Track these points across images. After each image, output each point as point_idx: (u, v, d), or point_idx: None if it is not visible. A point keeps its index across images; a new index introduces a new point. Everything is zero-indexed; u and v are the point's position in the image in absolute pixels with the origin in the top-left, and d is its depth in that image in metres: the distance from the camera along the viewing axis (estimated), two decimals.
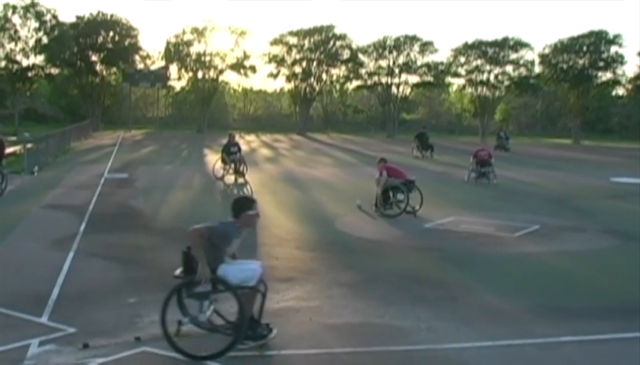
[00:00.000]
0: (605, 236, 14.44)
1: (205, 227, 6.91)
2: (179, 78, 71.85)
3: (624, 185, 25.35)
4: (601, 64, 68.89)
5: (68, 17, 68.50)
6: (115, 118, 74.05)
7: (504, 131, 50.95)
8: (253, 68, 70.05)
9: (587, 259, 12.15)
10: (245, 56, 68.96)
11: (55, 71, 65.74)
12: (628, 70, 78.01)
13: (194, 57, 68.52)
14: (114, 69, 70.14)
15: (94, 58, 68.02)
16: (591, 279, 10.64)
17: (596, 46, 68.61)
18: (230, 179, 22.56)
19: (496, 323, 8.08)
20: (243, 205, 7.14)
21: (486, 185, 23.50)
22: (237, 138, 24.94)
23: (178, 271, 7.01)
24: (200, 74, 69.66)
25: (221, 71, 69.99)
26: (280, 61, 71.28)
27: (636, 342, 7.58)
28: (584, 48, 68.85)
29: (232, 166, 22.89)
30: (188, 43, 68.35)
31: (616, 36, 68.57)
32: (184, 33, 68.27)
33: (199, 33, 68.01)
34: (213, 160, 33.96)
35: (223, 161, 23.04)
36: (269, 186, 22.00)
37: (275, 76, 72.42)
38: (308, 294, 9.08)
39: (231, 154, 22.96)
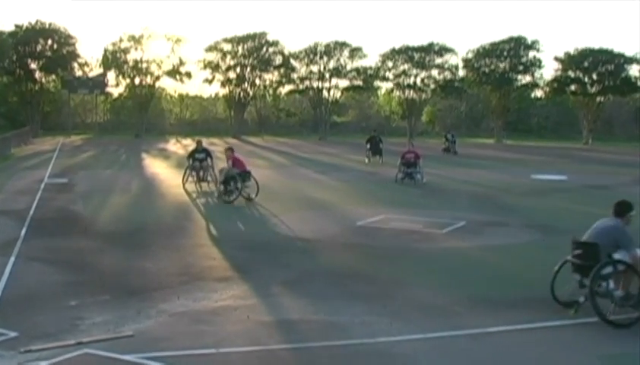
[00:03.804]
0: (527, 230, 14.98)
1: (627, 241, 8.37)
2: (117, 85, 71.94)
3: (543, 182, 26.23)
4: (520, 68, 71.16)
5: (6, 25, 67.49)
6: (55, 124, 73.32)
7: (452, 134, 47.03)
8: (189, 74, 70.81)
9: (512, 252, 12.64)
10: (181, 63, 69.74)
11: None
12: (547, 73, 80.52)
13: (131, 64, 68.75)
14: (53, 76, 69.71)
15: (33, 65, 67.59)
16: (515, 271, 11.05)
17: (515, 51, 70.87)
18: (197, 186, 21.33)
19: (428, 316, 8.33)
20: (628, 207, 8.64)
21: (414, 184, 23.91)
22: (204, 144, 23.02)
23: (570, 257, 8.63)
24: (137, 81, 69.96)
25: (158, 78, 70.59)
26: (214, 68, 71.81)
27: (559, 330, 7.96)
28: (505, 53, 70.98)
29: (195, 174, 21.53)
30: (126, 51, 68.61)
31: (534, 42, 70.94)
32: (121, 40, 68.47)
33: (136, 40, 68.37)
34: (152, 163, 33.84)
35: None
36: (205, 188, 21.72)
37: (210, 82, 73.05)
38: (245, 293, 9.20)
39: (195, 161, 21.65)
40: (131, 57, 68.65)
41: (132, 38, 68.18)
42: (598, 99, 70.77)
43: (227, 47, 71.54)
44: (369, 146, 34.95)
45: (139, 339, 7.33)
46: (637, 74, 69.29)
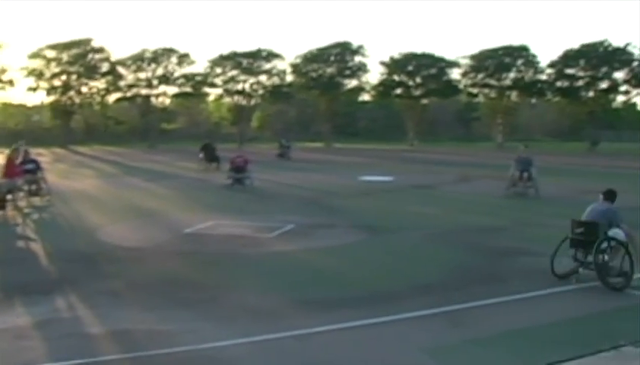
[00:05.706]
0: (353, 231, 15.48)
1: (618, 219, 10.45)
2: None
3: (370, 183, 27.29)
4: (347, 72, 73.81)
5: None
6: None
7: (286, 139, 47.96)
8: (11, 82, 67.43)
9: (338, 253, 13.06)
10: (3, 70, 66.11)
11: None
12: (373, 77, 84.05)
13: None
14: None
15: None
16: (342, 271, 11.44)
17: (342, 56, 73.45)
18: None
19: (255, 320, 8.46)
20: (615, 194, 10.84)
21: (244, 189, 24.12)
22: (30, 154, 20.69)
23: (571, 234, 10.50)
24: None
25: None
26: (39, 75, 68.96)
27: (382, 326, 8.30)
28: (332, 58, 73.34)
29: (27, 187, 19.50)
30: None
31: (360, 47, 73.94)
32: None
33: None
34: None
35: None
36: (29, 200, 20.44)
37: (35, 89, 70.44)
38: (70, 305, 8.95)
39: (26, 173, 19.51)
40: None
41: None
42: (422, 101, 74.82)
43: (52, 54, 69.02)
44: (202, 154, 34.42)
45: None
46: (458, 78, 74.04)
